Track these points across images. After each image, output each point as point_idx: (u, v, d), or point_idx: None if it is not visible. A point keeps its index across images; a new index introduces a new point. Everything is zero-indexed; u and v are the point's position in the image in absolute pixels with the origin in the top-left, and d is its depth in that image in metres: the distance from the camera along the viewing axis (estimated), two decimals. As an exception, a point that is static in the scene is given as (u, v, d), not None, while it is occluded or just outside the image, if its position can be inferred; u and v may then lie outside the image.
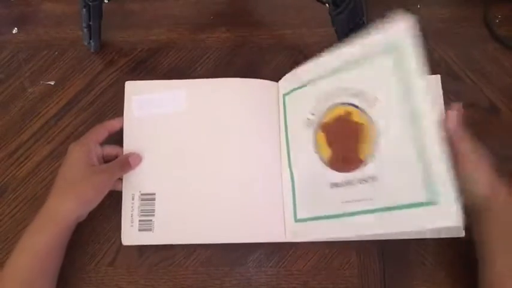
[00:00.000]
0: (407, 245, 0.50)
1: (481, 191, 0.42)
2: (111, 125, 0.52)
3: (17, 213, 0.53)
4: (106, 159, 0.51)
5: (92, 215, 0.51)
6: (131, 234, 0.50)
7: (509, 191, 0.43)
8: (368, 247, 0.50)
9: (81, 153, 0.48)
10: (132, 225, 0.50)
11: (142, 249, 0.51)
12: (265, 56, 0.59)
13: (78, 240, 0.51)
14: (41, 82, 0.58)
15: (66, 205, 0.46)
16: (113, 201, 0.51)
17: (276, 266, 0.50)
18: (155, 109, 0.54)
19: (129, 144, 0.52)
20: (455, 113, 0.43)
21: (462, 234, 0.49)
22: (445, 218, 0.40)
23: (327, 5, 0.48)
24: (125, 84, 0.54)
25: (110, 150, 0.51)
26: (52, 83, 0.58)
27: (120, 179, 0.51)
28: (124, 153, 0.52)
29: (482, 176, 0.43)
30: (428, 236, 0.50)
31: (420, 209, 0.41)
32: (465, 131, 0.43)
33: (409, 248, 0.50)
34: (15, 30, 0.61)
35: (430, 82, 0.54)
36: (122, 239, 0.50)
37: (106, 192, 0.48)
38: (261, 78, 0.55)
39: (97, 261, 0.51)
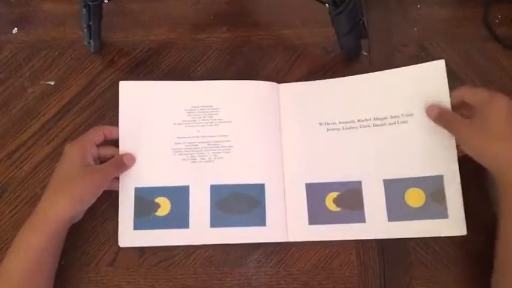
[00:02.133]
0: (407, 245, 0.50)
1: (489, 160, 0.44)
2: (109, 129, 0.52)
3: (17, 213, 0.53)
4: (102, 160, 0.51)
5: (92, 215, 0.51)
6: (128, 236, 0.50)
7: None
8: (368, 247, 0.50)
9: (77, 153, 0.48)
10: (129, 227, 0.50)
11: (142, 249, 0.51)
12: (265, 56, 0.59)
13: (78, 240, 0.51)
14: (41, 82, 0.58)
15: (59, 204, 0.46)
16: (112, 202, 0.51)
17: (276, 266, 0.50)
18: (150, 109, 0.54)
19: (125, 144, 0.52)
20: (430, 108, 0.50)
21: (464, 232, 0.49)
22: (453, 228, 0.48)
23: (327, 5, 0.48)
24: (119, 84, 0.54)
25: (106, 151, 0.51)
26: (52, 83, 0.58)
27: (117, 179, 0.51)
28: (120, 154, 0.52)
29: (482, 145, 0.44)
30: (430, 234, 0.50)
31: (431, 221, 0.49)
32: (448, 116, 0.48)
33: (409, 248, 0.50)
34: (15, 30, 0.61)
35: (435, 67, 0.53)
36: (119, 241, 0.50)
37: (100, 192, 0.48)
38: (261, 78, 0.55)
39: (97, 261, 0.51)
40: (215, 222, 0.50)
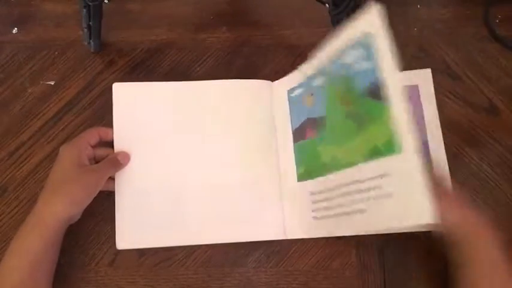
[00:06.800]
0: (407, 245, 0.50)
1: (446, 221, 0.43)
2: (104, 131, 0.52)
3: (17, 213, 0.53)
4: (97, 162, 0.51)
5: (92, 216, 0.51)
6: (126, 238, 0.50)
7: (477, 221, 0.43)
8: (368, 247, 0.50)
9: (72, 154, 0.48)
10: (126, 229, 0.50)
11: (142, 249, 0.51)
12: (265, 56, 0.59)
13: (78, 240, 0.51)
14: (41, 82, 0.58)
15: (56, 206, 0.46)
16: (112, 202, 0.51)
17: (276, 266, 0.50)
18: (144, 110, 0.53)
19: (120, 146, 0.52)
20: None
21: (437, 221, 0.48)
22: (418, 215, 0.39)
23: (327, 5, 0.48)
24: (112, 86, 0.54)
25: (102, 152, 0.51)
26: (52, 83, 0.58)
27: (113, 179, 0.51)
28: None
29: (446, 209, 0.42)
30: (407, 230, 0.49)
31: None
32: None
33: (409, 248, 0.50)
34: (15, 30, 0.61)
35: (421, 76, 0.54)
36: (117, 244, 0.50)
37: (96, 192, 0.48)
38: (260, 78, 0.55)
39: (97, 261, 0.51)
40: (212, 221, 0.50)
